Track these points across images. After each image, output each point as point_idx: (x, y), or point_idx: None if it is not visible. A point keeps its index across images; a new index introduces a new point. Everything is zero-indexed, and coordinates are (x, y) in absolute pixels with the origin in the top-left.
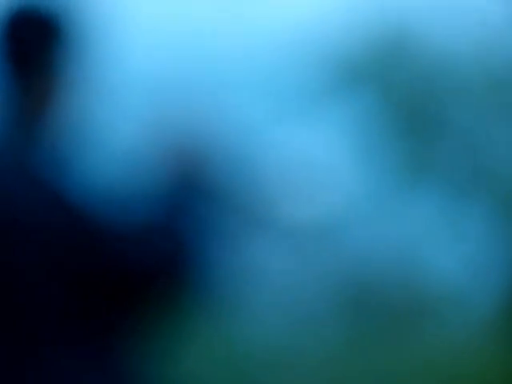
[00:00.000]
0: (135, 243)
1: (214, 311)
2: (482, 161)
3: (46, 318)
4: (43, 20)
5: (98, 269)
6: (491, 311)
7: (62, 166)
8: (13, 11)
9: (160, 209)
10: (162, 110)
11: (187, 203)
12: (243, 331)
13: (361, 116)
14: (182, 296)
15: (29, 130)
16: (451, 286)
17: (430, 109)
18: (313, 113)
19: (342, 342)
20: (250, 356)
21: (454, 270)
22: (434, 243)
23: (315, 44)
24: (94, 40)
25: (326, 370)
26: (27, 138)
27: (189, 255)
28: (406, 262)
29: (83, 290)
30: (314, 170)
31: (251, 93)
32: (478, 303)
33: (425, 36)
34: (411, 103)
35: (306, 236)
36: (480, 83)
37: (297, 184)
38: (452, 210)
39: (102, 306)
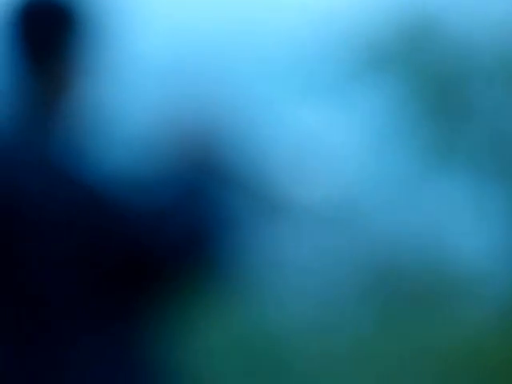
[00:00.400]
0: (153, 227)
1: (235, 296)
2: (507, 144)
3: (63, 304)
4: (58, 6)
5: (119, 252)
6: None
7: (79, 152)
8: None
9: (175, 193)
10: (175, 95)
11: (202, 187)
12: (265, 315)
13: (386, 99)
14: (202, 280)
15: (45, 118)
16: (476, 269)
17: (456, 92)
18: (338, 94)
19: (367, 325)
20: (272, 339)
21: (480, 252)
22: (459, 226)
23: (341, 26)
24: (108, 26)
25: (350, 352)
26: (44, 126)
27: (206, 239)
28: (431, 244)
29: (103, 273)
30: (336, 153)
31: (274, 74)
32: (502, 287)
33: (451, 19)
34: (437, 86)
35: (330, 219)
36: (504, 69)
37: (320, 167)
38: (477, 192)
39: (122, 289)
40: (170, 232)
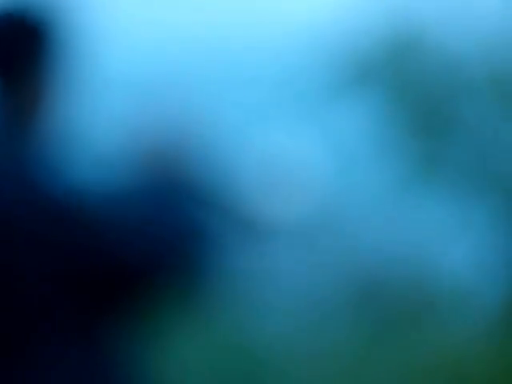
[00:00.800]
0: (125, 240)
1: (210, 310)
2: (491, 158)
3: (40, 315)
4: (26, 20)
5: (92, 265)
6: (500, 307)
7: (51, 165)
8: None
9: (146, 205)
10: (146, 108)
11: (172, 200)
12: (243, 331)
13: (370, 112)
14: (176, 293)
15: (17, 131)
16: (461, 282)
17: (441, 107)
18: (322, 110)
19: (351, 339)
20: (249, 355)
21: (464, 266)
22: (444, 239)
23: (326, 42)
24: (78, 41)
25: (334, 366)
26: (16, 138)
27: (178, 252)
28: (415, 259)
29: (78, 286)
30: (316, 167)
31: (254, 88)
32: (487, 300)
33: (437, 33)
34: (423, 102)
35: (312, 233)
36: (489, 84)
37: (298, 182)
38: (462, 206)
39: (98, 301)
40: (142, 244)
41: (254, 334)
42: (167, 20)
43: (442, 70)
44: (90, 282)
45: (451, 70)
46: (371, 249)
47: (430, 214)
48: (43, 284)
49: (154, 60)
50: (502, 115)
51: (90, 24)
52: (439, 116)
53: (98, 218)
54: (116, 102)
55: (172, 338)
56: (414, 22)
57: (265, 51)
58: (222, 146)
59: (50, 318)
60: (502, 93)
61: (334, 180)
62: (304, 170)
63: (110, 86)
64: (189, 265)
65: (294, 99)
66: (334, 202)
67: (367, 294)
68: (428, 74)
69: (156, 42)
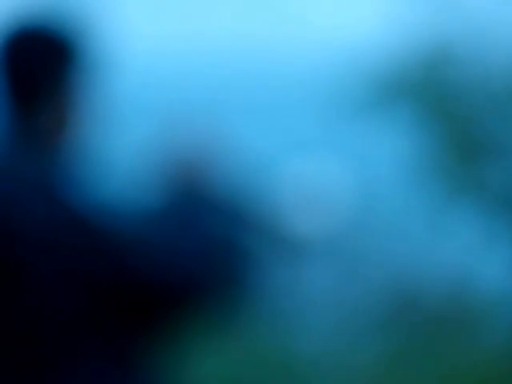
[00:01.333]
0: (150, 257)
1: (250, 328)
2: None
3: (61, 329)
4: (50, 39)
5: (125, 283)
6: None
7: (79, 185)
8: (16, 31)
9: (172, 223)
10: (169, 127)
11: (198, 217)
12: (276, 346)
13: (402, 130)
14: (204, 309)
15: (40, 147)
16: (495, 299)
17: (471, 126)
18: (354, 129)
19: (385, 354)
20: (283, 369)
21: (498, 281)
22: (477, 255)
23: (356, 61)
24: (100, 60)
25: (369, 381)
26: (39, 154)
27: (208, 268)
28: (449, 273)
29: (103, 302)
30: (348, 185)
31: (281, 109)
32: None
33: (469, 47)
34: (452, 120)
35: (346, 250)
36: None
37: (332, 199)
38: (494, 224)
39: (133, 319)
40: (174, 262)
41: (291, 349)
42: (201, 42)
43: (476, 87)
44: (123, 300)
45: (483, 89)
46: (405, 264)
47: (463, 230)
48: (74, 301)
49: (186, 82)
50: None
51: (113, 44)
52: (475, 135)
53: (129, 237)
54: (143, 122)
55: (208, 355)
56: (444, 37)
57: (298, 67)
58: (254, 166)
59: (73, 331)
60: None
61: (369, 199)
62: (337, 189)
63: (136, 107)
64: (226, 282)
65: (327, 117)
66: (370, 221)
67: (401, 309)
68: (462, 90)
69: (187, 61)
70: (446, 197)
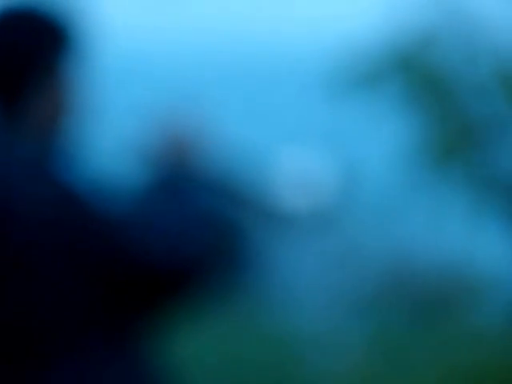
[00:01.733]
0: (150, 239)
1: (246, 305)
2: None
3: (65, 318)
4: (41, 22)
5: (121, 265)
6: None
7: (66, 164)
8: (6, 14)
9: (168, 205)
10: (159, 104)
11: (187, 194)
12: (268, 324)
13: (390, 111)
14: (200, 293)
15: (34, 129)
16: (491, 277)
17: (459, 107)
18: (339, 106)
19: (383, 331)
20: (276, 349)
21: (493, 259)
22: (472, 236)
23: (346, 41)
24: (90, 45)
25: (366, 359)
26: (33, 135)
27: (205, 250)
28: (447, 250)
29: (108, 287)
30: (340, 162)
31: (268, 88)
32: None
33: (450, 33)
34: (439, 101)
35: (338, 229)
36: (505, 83)
37: (321, 177)
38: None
39: (132, 301)
40: (169, 243)
41: (285, 326)
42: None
43: (456, 71)
44: (121, 282)
45: (465, 71)
46: (402, 240)
47: (448, 207)
48: (72, 284)
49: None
50: None
51: (102, 33)
52: (463, 117)
53: (123, 219)
54: (135, 94)
55: (207, 333)
56: (432, 20)
57: (289, 47)
58: (244, 147)
59: (82, 319)
60: None
61: (358, 180)
62: (326, 168)
63: (128, 76)
64: (220, 260)
65: (317, 97)
66: (364, 198)
67: (398, 286)
68: (449, 73)
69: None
70: (436, 175)
